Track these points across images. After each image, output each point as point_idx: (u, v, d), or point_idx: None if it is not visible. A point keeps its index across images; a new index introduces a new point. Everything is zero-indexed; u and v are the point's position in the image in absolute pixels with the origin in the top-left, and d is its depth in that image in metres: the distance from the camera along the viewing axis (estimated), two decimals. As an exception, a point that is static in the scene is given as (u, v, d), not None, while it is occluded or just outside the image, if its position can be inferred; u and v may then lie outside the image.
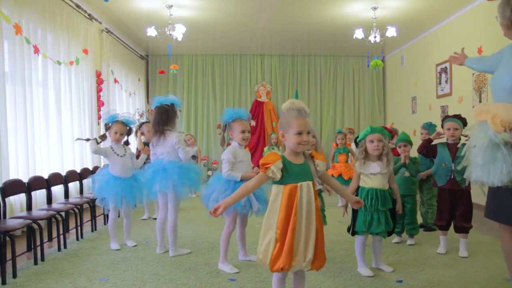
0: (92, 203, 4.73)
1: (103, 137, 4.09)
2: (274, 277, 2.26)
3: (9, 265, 3.28)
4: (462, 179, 3.66)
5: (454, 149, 3.71)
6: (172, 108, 3.74)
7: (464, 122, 3.74)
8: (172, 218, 3.77)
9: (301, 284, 2.32)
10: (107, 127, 4.04)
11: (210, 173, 9.96)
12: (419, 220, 4.79)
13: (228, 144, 3.48)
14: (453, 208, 3.75)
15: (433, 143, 3.92)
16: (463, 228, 3.73)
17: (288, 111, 2.19)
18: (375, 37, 7.03)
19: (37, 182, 4.29)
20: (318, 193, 2.35)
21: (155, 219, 5.36)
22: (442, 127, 3.85)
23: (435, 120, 7.73)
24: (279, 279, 2.24)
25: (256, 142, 10.28)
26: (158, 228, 3.89)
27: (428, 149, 3.89)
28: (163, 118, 3.70)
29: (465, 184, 3.67)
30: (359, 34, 7.11)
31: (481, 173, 2.32)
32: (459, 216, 3.72)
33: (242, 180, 3.15)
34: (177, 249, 3.83)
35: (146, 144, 5.47)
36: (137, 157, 5.37)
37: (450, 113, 7.10)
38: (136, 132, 5.52)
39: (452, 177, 3.69)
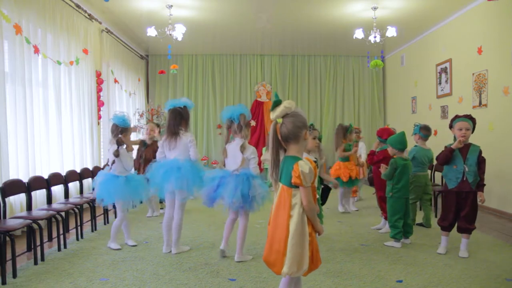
0: (92, 203, 4.73)
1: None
2: (287, 279, 2.18)
3: (9, 265, 3.28)
4: (473, 180, 3.64)
5: (464, 150, 3.67)
6: (185, 110, 3.85)
7: (474, 122, 3.69)
8: (178, 217, 3.83)
9: (299, 285, 2.32)
10: (122, 130, 3.99)
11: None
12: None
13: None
14: (458, 209, 3.72)
15: (432, 145, 3.87)
16: (467, 229, 3.72)
17: (298, 109, 2.16)
18: (375, 37, 7.03)
19: (37, 182, 4.28)
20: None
21: (157, 216, 5.45)
22: (451, 127, 3.78)
23: (435, 120, 7.76)
24: (290, 283, 2.20)
25: (256, 142, 10.27)
26: (164, 226, 3.93)
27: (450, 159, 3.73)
28: (177, 120, 3.80)
29: (475, 185, 3.66)
30: (359, 34, 7.11)
31: None
32: (463, 217, 3.69)
33: None
34: (179, 246, 3.91)
35: (145, 144, 5.56)
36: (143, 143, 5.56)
37: (450, 113, 7.10)
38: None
39: (464, 178, 3.64)
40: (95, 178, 4.14)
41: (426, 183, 4.89)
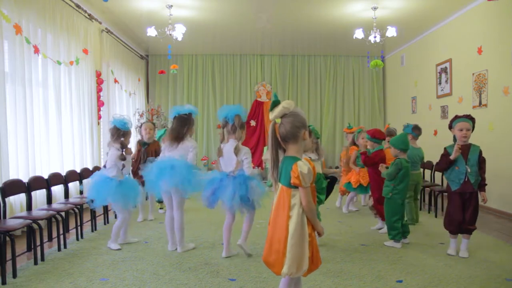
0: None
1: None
2: (286, 280, 2.17)
3: (9, 265, 3.28)
4: (475, 180, 3.64)
5: (465, 151, 3.65)
6: (190, 117, 3.91)
7: (474, 122, 3.69)
8: (178, 216, 3.85)
9: (299, 285, 2.31)
10: (124, 134, 4.05)
11: (210, 173, 9.94)
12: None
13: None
14: (462, 211, 3.70)
15: (427, 148, 3.86)
16: (468, 230, 3.72)
17: (297, 109, 2.14)
18: (375, 37, 7.03)
19: (37, 182, 4.28)
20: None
21: (151, 220, 5.40)
22: (451, 128, 3.77)
23: (435, 120, 7.76)
24: (290, 283, 2.19)
25: (256, 142, 10.28)
26: (167, 226, 3.97)
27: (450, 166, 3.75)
28: (183, 127, 3.84)
29: (476, 186, 3.66)
30: (359, 34, 7.11)
31: None
32: (467, 219, 3.69)
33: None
34: (185, 245, 3.95)
35: (145, 144, 5.46)
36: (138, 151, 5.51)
37: (450, 113, 7.10)
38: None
39: (466, 179, 3.63)
40: (89, 178, 4.12)
41: (418, 182, 4.99)
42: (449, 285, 3.06)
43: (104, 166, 4.15)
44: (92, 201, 3.94)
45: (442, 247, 4.02)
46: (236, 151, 3.57)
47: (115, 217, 4.19)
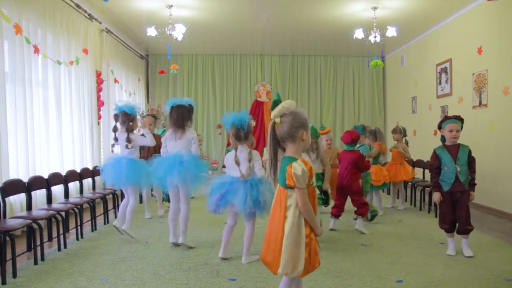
0: (92, 203, 4.73)
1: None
2: (287, 280, 2.16)
3: (9, 265, 3.28)
4: (465, 180, 3.66)
5: (454, 151, 3.69)
6: (191, 108, 4.03)
7: (462, 122, 3.73)
8: (185, 209, 3.96)
9: (300, 285, 2.31)
10: (132, 118, 4.26)
11: (210, 173, 9.96)
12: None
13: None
14: (454, 209, 3.73)
15: (427, 148, 3.90)
16: (465, 231, 3.73)
17: (298, 109, 2.12)
18: (375, 37, 7.03)
19: (37, 182, 4.28)
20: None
21: (161, 216, 5.48)
22: (440, 128, 3.80)
23: (435, 120, 7.74)
24: (290, 283, 2.18)
25: (256, 142, 10.27)
26: (170, 218, 4.04)
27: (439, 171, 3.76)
28: (186, 116, 3.95)
29: (467, 185, 3.68)
30: (359, 34, 7.11)
31: None
32: (459, 218, 3.70)
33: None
34: (186, 238, 4.02)
35: None
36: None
37: (450, 113, 7.10)
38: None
39: (456, 179, 3.65)
40: (108, 162, 4.31)
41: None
42: (449, 285, 3.06)
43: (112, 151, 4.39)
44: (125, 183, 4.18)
45: (442, 247, 4.02)
46: (250, 156, 3.50)
47: (115, 215, 4.24)
